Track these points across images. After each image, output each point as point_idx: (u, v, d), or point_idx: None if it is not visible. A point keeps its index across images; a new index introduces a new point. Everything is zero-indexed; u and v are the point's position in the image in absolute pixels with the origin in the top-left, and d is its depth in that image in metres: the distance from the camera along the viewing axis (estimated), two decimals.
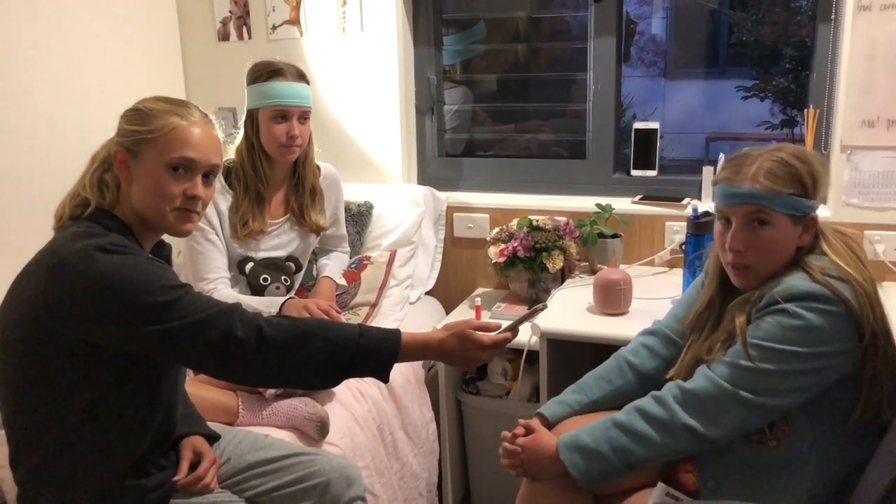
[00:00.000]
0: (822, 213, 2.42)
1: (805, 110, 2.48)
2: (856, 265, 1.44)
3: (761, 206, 1.45)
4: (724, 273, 1.57)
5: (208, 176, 1.51)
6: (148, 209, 1.47)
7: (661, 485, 1.55)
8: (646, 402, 1.49)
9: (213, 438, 1.69)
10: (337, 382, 1.51)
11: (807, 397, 1.41)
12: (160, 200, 1.46)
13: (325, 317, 2.06)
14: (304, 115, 2.19)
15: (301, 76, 2.22)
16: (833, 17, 2.38)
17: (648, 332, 1.76)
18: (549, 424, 1.67)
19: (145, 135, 1.44)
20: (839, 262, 1.43)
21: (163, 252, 1.62)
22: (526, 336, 2.17)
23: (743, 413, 1.41)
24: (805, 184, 1.46)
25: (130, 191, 1.46)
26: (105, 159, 1.49)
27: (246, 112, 2.21)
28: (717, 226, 1.55)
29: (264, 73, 2.18)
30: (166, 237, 1.59)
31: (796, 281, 1.41)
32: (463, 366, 1.60)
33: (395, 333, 1.49)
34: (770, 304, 1.42)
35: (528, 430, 1.63)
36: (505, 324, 1.56)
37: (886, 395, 1.42)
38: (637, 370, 1.70)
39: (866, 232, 2.37)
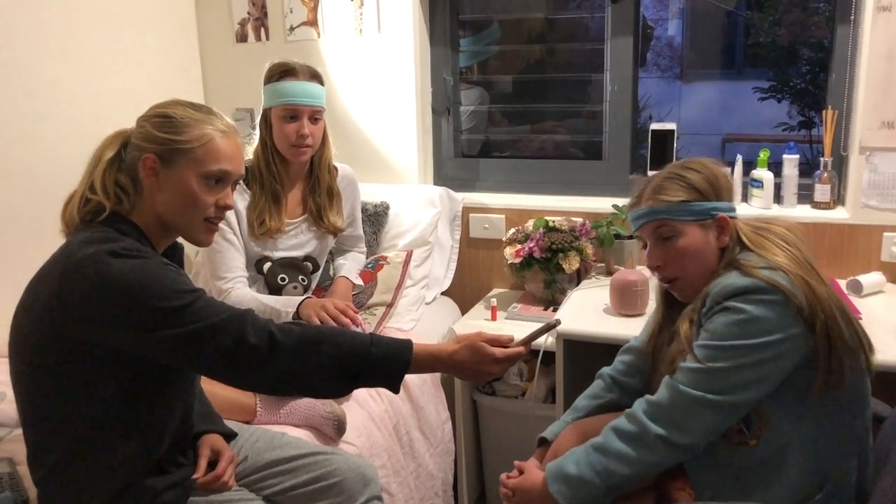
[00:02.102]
0: (840, 214, 2.42)
1: (823, 111, 2.47)
2: (782, 250, 1.48)
3: (660, 220, 1.55)
4: (667, 293, 1.65)
5: (234, 185, 1.54)
6: (177, 218, 1.47)
7: None
8: (619, 420, 1.51)
9: (229, 436, 1.70)
10: (348, 391, 1.51)
11: (768, 388, 1.42)
12: (193, 210, 1.47)
13: (343, 316, 2.06)
14: (315, 115, 2.20)
15: (314, 76, 2.23)
16: (852, 17, 2.37)
17: (626, 350, 1.80)
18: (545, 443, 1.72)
19: (181, 144, 1.44)
20: (767, 254, 1.47)
21: (176, 253, 1.61)
22: (542, 337, 2.17)
23: (708, 414, 1.42)
24: (699, 188, 1.54)
25: (155, 197, 1.46)
26: (114, 160, 1.47)
27: (261, 112, 2.23)
28: (644, 251, 1.65)
29: (277, 72, 2.19)
30: (179, 238, 1.59)
31: (730, 279, 1.44)
32: (474, 379, 1.58)
33: (407, 344, 1.47)
34: (712, 306, 1.45)
35: (521, 471, 1.65)
36: (517, 336, 1.55)
37: (847, 365, 1.42)
38: (621, 385, 1.75)
39: (885, 234, 2.35)
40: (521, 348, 1.52)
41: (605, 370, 1.80)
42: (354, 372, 1.42)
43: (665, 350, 1.61)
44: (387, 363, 1.44)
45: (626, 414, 1.50)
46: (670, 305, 1.65)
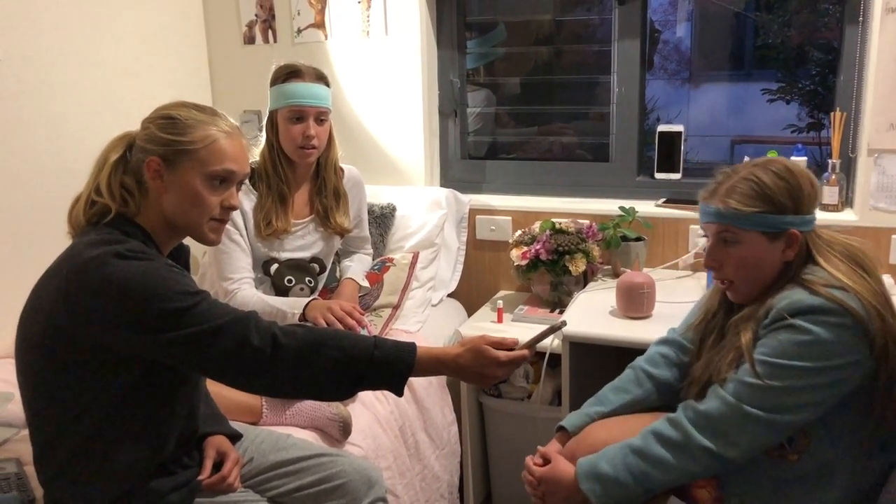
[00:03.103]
0: (848, 217, 2.41)
1: (832, 113, 2.46)
2: (857, 276, 1.42)
3: (725, 225, 1.48)
4: None
5: (239, 185, 1.54)
6: (184, 219, 1.48)
7: (674, 498, 1.55)
8: (661, 425, 1.48)
9: (235, 438, 1.70)
10: (351, 393, 1.51)
11: (822, 411, 1.39)
12: (199, 211, 1.47)
13: (349, 318, 2.07)
14: (321, 116, 2.20)
15: (320, 78, 2.23)
16: (861, 18, 2.36)
17: (663, 341, 1.75)
18: (570, 437, 1.67)
19: (186, 145, 1.45)
20: (837, 274, 1.41)
21: (181, 254, 1.62)
22: (548, 339, 2.17)
23: (757, 431, 1.39)
24: (778, 201, 1.45)
25: (161, 199, 1.47)
26: (119, 162, 1.48)
27: (268, 114, 2.24)
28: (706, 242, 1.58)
29: (283, 74, 2.20)
30: (187, 239, 1.59)
31: (800, 295, 1.39)
32: (478, 382, 1.57)
33: (411, 347, 1.47)
34: (776, 319, 1.40)
35: (546, 459, 1.61)
36: (522, 340, 1.54)
37: None
38: (655, 379, 1.69)
39: (893, 236, 2.34)
40: (526, 351, 1.51)
41: (640, 362, 1.74)
42: (358, 375, 1.43)
43: (712, 349, 1.56)
44: (390, 367, 1.44)
45: (670, 420, 1.47)
46: (727, 299, 1.59)
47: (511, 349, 1.51)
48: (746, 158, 2.48)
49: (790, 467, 1.44)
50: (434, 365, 1.50)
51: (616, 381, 1.74)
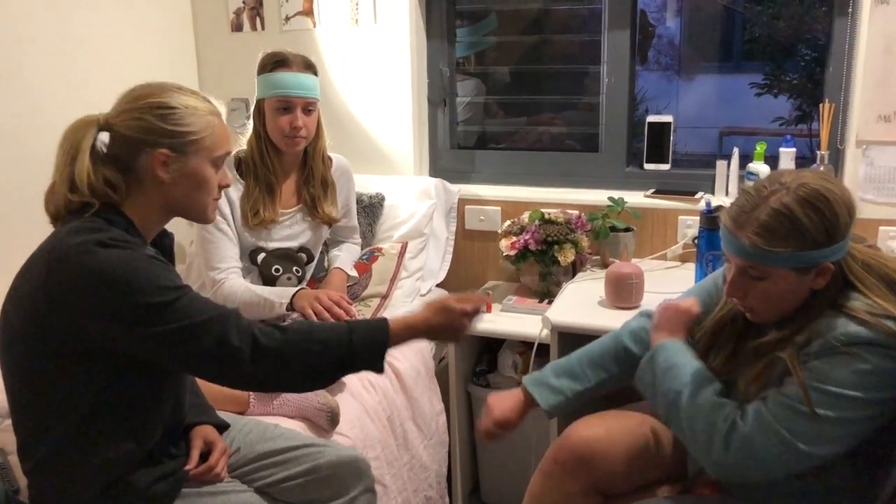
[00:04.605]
0: None
1: (820, 105, 2.46)
2: (893, 299, 1.34)
3: (753, 263, 1.36)
4: None
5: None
6: (190, 204, 1.49)
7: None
8: (715, 402, 1.42)
9: (222, 427, 1.69)
10: (333, 382, 1.53)
11: (855, 443, 1.34)
12: (205, 195, 1.50)
13: (337, 307, 2.06)
14: (308, 106, 2.18)
15: (308, 67, 2.21)
16: (850, 10, 2.36)
17: (650, 315, 1.70)
18: (533, 403, 1.70)
19: (194, 136, 1.45)
20: (881, 302, 1.33)
21: (165, 242, 1.60)
22: (536, 329, 2.17)
23: (794, 461, 1.33)
24: (811, 238, 1.31)
25: (163, 188, 1.44)
26: (93, 153, 1.43)
27: (255, 102, 2.22)
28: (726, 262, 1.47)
29: (270, 63, 2.18)
30: (168, 227, 1.58)
31: (853, 328, 1.31)
32: (452, 338, 1.64)
33: (383, 323, 1.50)
34: (828, 347, 1.32)
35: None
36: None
37: None
38: (633, 358, 1.64)
39: (881, 228, 2.35)
40: (484, 296, 1.60)
41: (623, 336, 1.70)
42: (339, 365, 1.45)
43: (728, 363, 1.51)
44: (368, 347, 1.46)
45: (727, 420, 1.38)
46: None
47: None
48: (735, 149, 2.51)
49: (804, 485, 1.41)
50: (407, 332, 1.53)
51: (595, 351, 1.72)
